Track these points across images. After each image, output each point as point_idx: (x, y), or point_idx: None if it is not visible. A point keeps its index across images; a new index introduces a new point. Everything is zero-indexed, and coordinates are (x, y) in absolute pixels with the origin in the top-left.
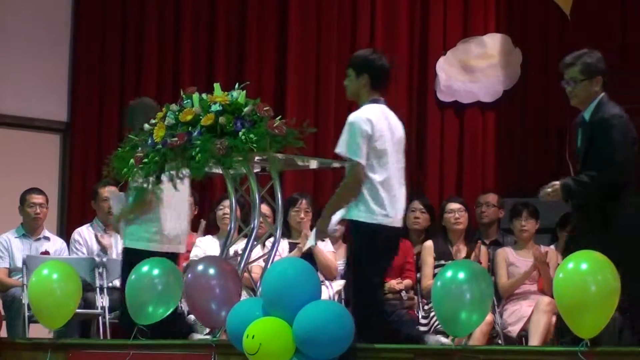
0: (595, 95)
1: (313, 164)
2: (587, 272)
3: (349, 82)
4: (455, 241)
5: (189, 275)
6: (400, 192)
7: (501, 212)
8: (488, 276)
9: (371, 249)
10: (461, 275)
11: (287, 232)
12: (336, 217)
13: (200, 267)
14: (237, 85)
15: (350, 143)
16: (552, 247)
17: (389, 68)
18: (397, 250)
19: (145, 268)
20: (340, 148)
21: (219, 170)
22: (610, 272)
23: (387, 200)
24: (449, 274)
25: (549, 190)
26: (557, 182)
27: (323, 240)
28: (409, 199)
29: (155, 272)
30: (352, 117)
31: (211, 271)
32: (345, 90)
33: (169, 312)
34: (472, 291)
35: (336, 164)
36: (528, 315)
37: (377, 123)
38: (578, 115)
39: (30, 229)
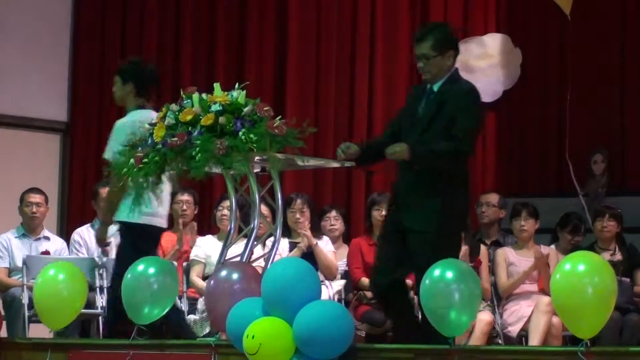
0: (448, 70)
1: (313, 163)
2: (584, 273)
3: (116, 89)
4: None
5: (211, 282)
6: (166, 192)
7: (502, 212)
8: (476, 276)
9: (138, 246)
10: (449, 274)
11: (287, 232)
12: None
13: (224, 273)
14: (237, 85)
15: (115, 149)
16: (552, 247)
17: (156, 76)
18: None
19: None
20: (107, 154)
21: (219, 171)
22: (607, 273)
23: (155, 200)
24: (436, 272)
25: (397, 149)
26: (404, 144)
27: (106, 246)
28: None
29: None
30: (118, 122)
31: (235, 276)
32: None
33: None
34: (460, 291)
35: (336, 164)
36: (528, 315)
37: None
38: (418, 86)
39: (29, 228)
